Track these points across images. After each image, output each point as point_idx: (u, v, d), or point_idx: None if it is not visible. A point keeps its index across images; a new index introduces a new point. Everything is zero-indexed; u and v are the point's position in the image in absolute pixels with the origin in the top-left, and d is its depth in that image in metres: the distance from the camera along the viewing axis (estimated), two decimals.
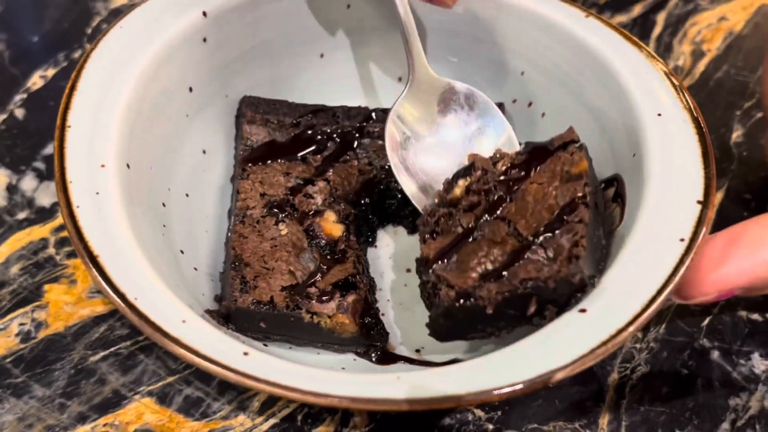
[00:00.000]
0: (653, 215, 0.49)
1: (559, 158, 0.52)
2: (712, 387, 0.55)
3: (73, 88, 0.52)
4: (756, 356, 0.56)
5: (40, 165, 0.65)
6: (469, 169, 0.54)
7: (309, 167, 0.59)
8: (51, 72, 0.72)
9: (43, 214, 0.62)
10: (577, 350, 0.42)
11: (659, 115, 0.53)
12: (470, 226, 0.51)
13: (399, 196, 0.59)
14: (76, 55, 0.73)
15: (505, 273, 0.47)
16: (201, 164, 0.60)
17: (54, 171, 0.48)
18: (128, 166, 0.51)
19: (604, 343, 0.42)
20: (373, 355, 0.53)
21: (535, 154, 0.53)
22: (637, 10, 0.80)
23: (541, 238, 0.48)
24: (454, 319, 0.48)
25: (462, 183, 0.54)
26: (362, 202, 0.59)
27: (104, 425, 0.52)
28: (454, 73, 0.63)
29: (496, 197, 0.51)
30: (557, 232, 0.47)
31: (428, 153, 0.58)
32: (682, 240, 0.47)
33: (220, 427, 0.52)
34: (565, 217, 0.48)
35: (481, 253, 0.49)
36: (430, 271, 0.50)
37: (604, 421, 0.53)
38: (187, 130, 0.59)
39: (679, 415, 0.53)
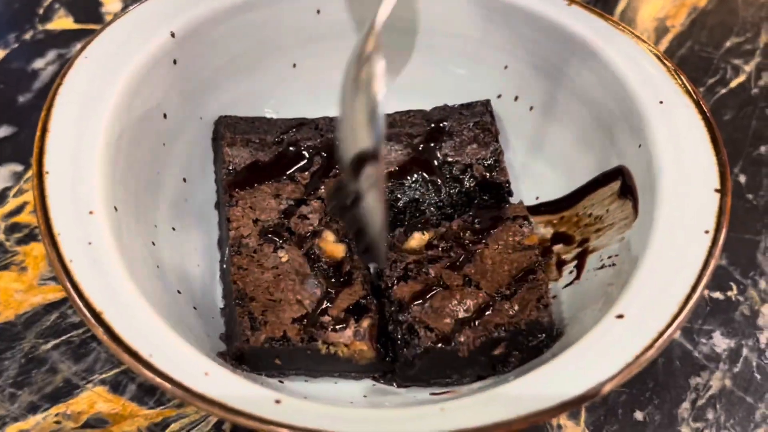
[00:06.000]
0: (673, 208, 0.47)
1: (509, 228, 0.54)
2: (673, 366, 0.54)
3: (44, 129, 0.48)
4: (717, 335, 0.56)
5: None
6: (425, 224, 0.55)
7: (298, 186, 0.56)
8: (1, 53, 0.70)
9: None
10: (622, 358, 0.41)
11: (661, 102, 0.52)
12: (439, 276, 0.51)
13: (394, 205, 0.57)
14: (27, 36, 0.72)
15: (477, 322, 0.49)
16: (183, 194, 0.57)
17: (38, 222, 0.45)
18: (116, 209, 0.47)
19: (648, 348, 0.42)
20: (392, 378, 0.51)
21: (487, 220, 0.55)
22: None
23: (507, 292, 0.51)
24: (428, 361, 0.49)
25: (418, 236, 0.54)
26: None
27: (56, 415, 0.51)
28: (433, 69, 0.62)
29: (455, 257, 0.52)
30: (521, 291, 0.50)
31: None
32: (707, 232, 0.46)
33: (175, 415, 0.51)
34: (525, 278, 0.51)
35: (453, 302, 0.50)
36: (407, 312, 0.50)
37: None
38: (166, 159, 0.55)
39: (639, 395, 0.53)
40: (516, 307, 0.50)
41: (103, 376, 0.52)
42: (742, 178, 0.65)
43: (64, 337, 0.54)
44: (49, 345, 0.54)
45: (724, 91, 0.71)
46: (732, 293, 0.58)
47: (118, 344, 0.41)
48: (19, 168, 0.63)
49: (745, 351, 0.55)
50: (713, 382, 0.54)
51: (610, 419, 0.52)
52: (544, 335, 0.49)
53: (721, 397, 0.53)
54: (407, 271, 0.52)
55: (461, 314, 0.50)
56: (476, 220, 0.55)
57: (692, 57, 0.73)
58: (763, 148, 0.67)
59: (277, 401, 0.40)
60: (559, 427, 0.52)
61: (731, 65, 0.73)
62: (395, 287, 0.51)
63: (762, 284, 0.59)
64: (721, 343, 0.56)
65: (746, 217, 0.62)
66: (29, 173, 0.62)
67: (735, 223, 0.60)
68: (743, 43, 0.75)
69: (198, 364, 0.41)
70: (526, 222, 0.54)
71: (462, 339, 0.48)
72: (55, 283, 0.56)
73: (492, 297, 0.51)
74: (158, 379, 0.40)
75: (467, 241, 0.54)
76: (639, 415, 0.52)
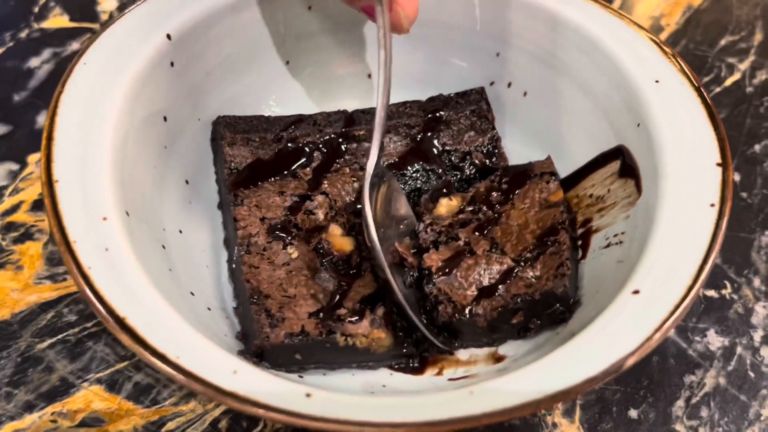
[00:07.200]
0: (677, 184, 0.49)
1: (536, 185, 0.56)
2: (667, 364, 0.55)
3: (50, 138, 0.48)
4: (711, 333, 0.56)
5: None
6: (449, 188, 0.57)
7: (301, 182, 0.57)
8: None
9: None
10: (642, 332, 0.42)
11: (657, 81, 0.53)
12: (467, 242, 0.53)
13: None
14: (23, 34, 0.72)
15: (497, 290, 0.51)
16: (186, 196, 0.57)
17: (52, 232, 0.45)
18: (127, 213, 0.48)
19: (665, 321, 0.43)
20: (412, 362, 0.52)
21: (515, 179, 0.56)
22: None
23: (529, 256, 0.52)
24: (452, 329, 0.52)
25: (445, 202, 0.56)
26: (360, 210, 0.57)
27: (52, 414, 0.51)
28: (426, 58, 0.62)
29: (484, 219, 0.54)
30: (543, 255, 0.52)
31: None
32: (712, 205, 0.47)
33: (171, 414, 0.51)
34: (547, 241, 0.53)
35: (478, 271, 0.52)
36: (432, 283, 0.52)
37: None
38: (168, 162, 0.56)
39: (633, 393, 0.53)
40: (537, 274, 0.51)
41: (99, 375, 0.53)
42: (737, 177, 0.65)
43: (59, 336, 0.54)
44: (45, 344, 0.54)
45: (718, 89, 0.71)
46: (726, 291, 0.59)
47: (144, 348, 0.41)
48: (14, 167, 0.63)
49: (739, 349, 0.56)
50: (707, 380, 0.54)
51: (605, 417, 0.52)
52: (558, 305, 0.51)
53: (715, 395, 0.54)
54: (440, 235, 0.54)
55: (484, 283, 0.52)
56: (503, 179, 0.56)
57: (687, 55, 0.74)
58: (757, 147, 0.67)
59: (308, 395, 0.41)
60: (555, 425, 0.52)
61: (726, 64, 0.73)
62: (425, 255, 0.53)
63: (756, 282, 0.59)
64: (715, 341, 0.56)
65: (741, 216, 0.63)
66: (25, 172, 0.63)
67: (729, 221, 0.60)
68: (738, 42, 0.75)
69: (226, 362, 0.42)
70: (552, 177, 0.56)
71: (480, 311, 0.51)
72: (51, 282, 0.57)
73: (515, 262, 0.52)
74: (188, 380, 0.41)
75: (495, 202, 0.55)
76: (633, 413, 0.53)
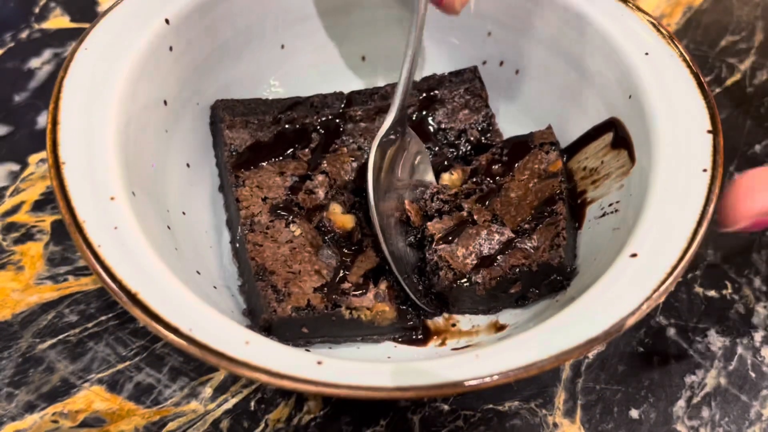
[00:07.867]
0: (669, 152, 0.50)
1: (536, 156, 0.57)
2: (668, 364, 0.55)
3: (55, 121, 0.49)
4: (712, 333, 0.57)
5: None
6: (447, 161, 0.58)
7: (301, 162, 0.58)
8: None
9: None
10: (641, 294, 0.44)
11: (646, 54, 0.54)
12: (470, 212, 0.55)
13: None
14: (23, 35, 0.72)
15: (497, 261, 0.53)
16: (187, 179, 0.58)
17: (61, 212, 0.45)
18: (134, 194, 0.49)
19: (663, 281, 0.44)
20: (415, 335, 0.54)
21: (515, 150, 0.58)
22: None
23: (527, 227, 0.54)
24: (451, 295, 0.54)
25: (447, 176, 0.58)
26: (360, 187, 0.58)
27: (53, 414, 0.52)
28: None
29: (486, 190, 0.56)
30: (540, 226, 0.54)
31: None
32: (705, 171, 0.49)
33: (172, 414, 0.52)
34: (545, 212, 0.54)
35: (478, 241, 0.54)
36: (434, 250, 0.54)
37: (559, 400, 0.53)
38: (169, 145, 0.57)
39: (634, 393, 0.54)
40: (535, 245, 0.53)
41: (100, 375, 0.53)
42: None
43: (60, 337, 0.54)
44: (46, 344, 0.54)
45: (719, 89, 0.72)
46: (727, 292, 0.59)
47: (157, 322, 0.42)
48: (15, 167, 0.63)
49: (739, 349, 0.56)
50: (708, 380, 0.54)
51: (606, 417, 0.52)
52: (556, 275, 0.53)
53: (716, 395, 0.54)
54: (445, 204, 0.56)
55: (484, 253, 0.53)
56: (504, 152, 0.58)
57: None
58: (757, 147, 0.67)
59: (319, 362, 0.42)
60: (555, 425, 0.52)
61: (726, 64, 0.73)
62: (429, 223, 0.55)
63: (756, 283, 0.59)
64: (716, 341, 0.56)
65: None
66: (25, 172, 0.63)
67: None
68: (738, 42, 0.75)
69: (237, 334, 0.43)
70: (552, 147, 0.57)
71: (479, 279, 0.52)
72: (52, 283, 0.57)
73: (515, 233, 0.54)
74: (202, 352, 0.41)
75: (497, 174, 0.57)
76: (634, 413, 0.53)
